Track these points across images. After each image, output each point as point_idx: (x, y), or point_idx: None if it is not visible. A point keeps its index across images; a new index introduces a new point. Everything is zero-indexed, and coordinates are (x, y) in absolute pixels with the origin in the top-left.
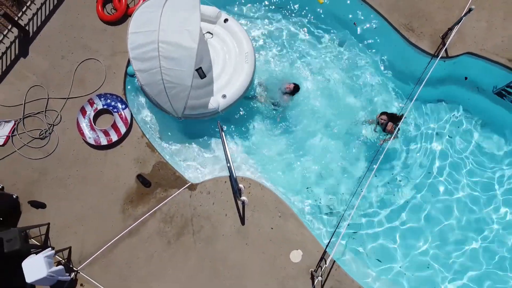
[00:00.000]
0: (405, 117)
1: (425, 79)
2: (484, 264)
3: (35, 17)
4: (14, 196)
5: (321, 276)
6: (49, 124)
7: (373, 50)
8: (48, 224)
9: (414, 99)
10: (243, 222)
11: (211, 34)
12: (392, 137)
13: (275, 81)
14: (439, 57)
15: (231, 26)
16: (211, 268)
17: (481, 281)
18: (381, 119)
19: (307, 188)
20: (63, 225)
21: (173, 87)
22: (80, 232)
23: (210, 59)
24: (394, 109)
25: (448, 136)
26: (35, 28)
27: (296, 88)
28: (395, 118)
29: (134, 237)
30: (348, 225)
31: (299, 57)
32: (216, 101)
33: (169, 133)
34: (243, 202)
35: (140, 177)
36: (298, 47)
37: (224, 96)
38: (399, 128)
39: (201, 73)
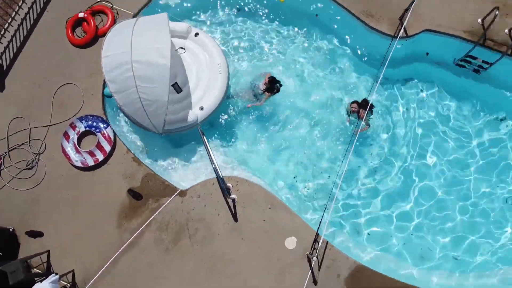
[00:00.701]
0: (371, 103)
1: (388, 60)
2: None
3: (7, 50)
4: (11, 229)
5: (316, 257)
6: (35, 154)
7: (338, 39)
8: (48, 251)
9: (380, 80)
10: (235, 219)
11: (184, 49)
12: (363, 121)
13: (251, 78)
14: (398, 37)
15: (202, 39)
16: (211, 268)
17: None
18: (352, 107)
19: (294, 177)
20: (63, 249)
21: (150, 104)
22: (80, 254)
23: (185, 74)
24: (365, 94)
25: (419, 110)
26: (8, 61)
27: (273, 81)
28: (365, 104)
29: (133, 249)
30: (334, 206)
31: (270, 54)
32: (194, 114)
33: (152, 145)
34: (233, 200)
35: (130, 192)
36: (266, 45)
37: (201, 108)
38: (372, 112)
39: (177, 87)
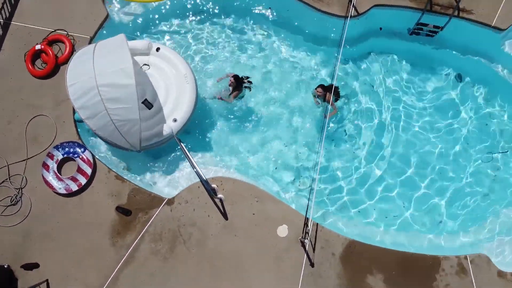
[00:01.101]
0: (335, 86)
1: (343, 41)
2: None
3: None
4: (5, 266)
5: (309, 240)
6: (17, 189)
7: (296, 29)
8: (47, 280)
9: (339, 61)
10: (226, 218)
11: (148, 65)
12: (330, 105)
13: (218, 81)
14: (349, 17)
15: (164, 53)
16: (211, 268)
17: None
18: (317, 91)
19: (275, 168)
20: (62, 275)
21: (124, 124)
22: (80, 277)
23: (153, 89)
24: (330, 77)
25: (386, 83)
26: None
27: (237, 79)
28: (330, 87)
29: (132, 264)
30: (319, 188)
31: (232, 54)
32: (169, 127)
33: (133, 160)
34: (220, 200)
35: (119, 209)
36: (227, 46)
37: (175, 120)
38: (339, 95)
39: (147, 104)
